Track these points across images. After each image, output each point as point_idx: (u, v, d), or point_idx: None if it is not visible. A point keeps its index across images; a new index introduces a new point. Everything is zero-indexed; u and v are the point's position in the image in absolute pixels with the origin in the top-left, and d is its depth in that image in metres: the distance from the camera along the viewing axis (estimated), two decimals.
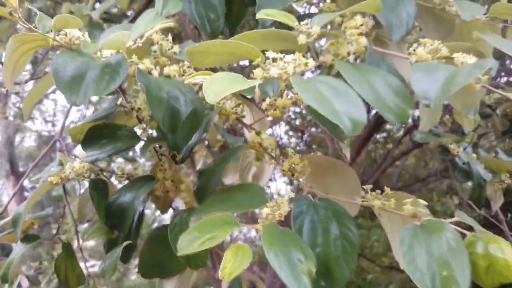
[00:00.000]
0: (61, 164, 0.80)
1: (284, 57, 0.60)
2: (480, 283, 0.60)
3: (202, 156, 1.96)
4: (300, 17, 0.72)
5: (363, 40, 0.68)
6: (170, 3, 0.73)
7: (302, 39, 0.64)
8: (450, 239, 0.59)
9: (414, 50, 0.69)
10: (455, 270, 0.56)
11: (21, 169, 10.83)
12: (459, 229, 0.62)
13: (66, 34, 0.65)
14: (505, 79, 4.17)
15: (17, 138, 11.17)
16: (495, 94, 1.63)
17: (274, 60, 0.59)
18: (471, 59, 0.64)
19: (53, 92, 6.03)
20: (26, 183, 11.35)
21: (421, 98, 0.59)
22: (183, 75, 0.70)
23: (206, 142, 2.44)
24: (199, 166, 1.97)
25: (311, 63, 0.60)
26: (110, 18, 2.01)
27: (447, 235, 0.59)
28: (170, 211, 0.83)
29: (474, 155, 1.44)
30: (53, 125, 9.58)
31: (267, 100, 0.73)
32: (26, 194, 10.69)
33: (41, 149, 9.76)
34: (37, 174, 0.98)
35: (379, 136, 8.94)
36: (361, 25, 0.70)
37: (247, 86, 0.53)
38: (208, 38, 0.85)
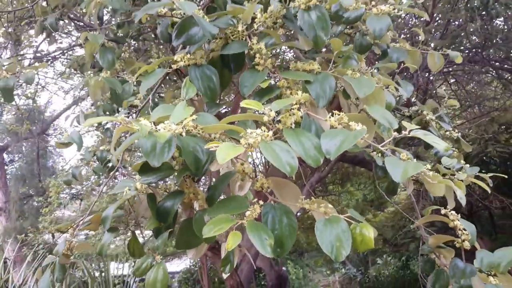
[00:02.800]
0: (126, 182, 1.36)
1: (255, 131, 1.16)
2: (357, 249, 1.19)
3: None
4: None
5: (299, 113, 1.25)
6: (190, 90, 1.29)
7: (265, 118, 1.20)
8: (343, 226, 1.17)
9: (330, 117, 1.26)
10: (344, 242, 1.14)
11: (1, 144, 11.22)
12: (349, 220, 1.20)
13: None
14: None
15: None
16: (413, 108, 2.22)
17: (251, 133, 1.15)
18: (358, 127, 1.21)
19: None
20: (5, 157, 11.64)
21: (325, 153, 1.15)
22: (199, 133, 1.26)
23: None
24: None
25: (270, 134, 1.17)
26: (116, 40, 2.53)
27: (342, 224, 1.18)
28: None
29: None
30: (34, 102, 9.89)
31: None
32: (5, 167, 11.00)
33: (21, 123, 10.13)
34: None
35: None
36: (297, 103, 1.26)
37: (239, 151, 1.09)
38: (205, 96, 1.41)
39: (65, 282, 7.73)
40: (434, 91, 9.24)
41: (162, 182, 1.34)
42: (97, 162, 2.76)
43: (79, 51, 6.53)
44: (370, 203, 11.53)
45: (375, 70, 1.63)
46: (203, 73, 1.39)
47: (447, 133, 2.14)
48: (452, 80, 8.99)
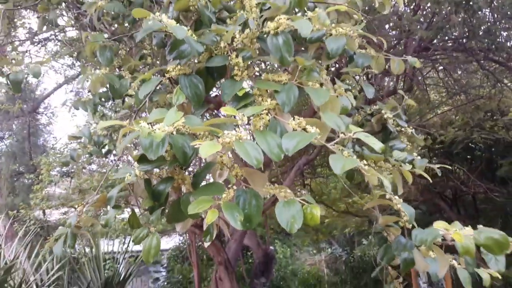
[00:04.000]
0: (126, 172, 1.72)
1: (231, 132, 1.52)
2: (308, 224, 1.56)
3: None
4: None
5: (267, 117, 1.62)
6: (180, 97, 1.65)
7: (239, 121, 1.56)
8: (297, 207, 1.55)
9: (291, 121, 1.63)
10: (297, 219, 1.52)
11: None
12: (303, 202, 1.58)
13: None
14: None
15: None
16: (374, 107, 2.59)
17: (227, 134, 1.51)
18: (313, 129, 1.58)
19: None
20: None
21: (285, 151, 1.52)
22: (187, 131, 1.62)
23: None
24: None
25: (244, 134, 1.53)
26: (114, 38, 2.86)
27: (296, 205, 1.55)
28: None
29: (351, 150, 2.39)
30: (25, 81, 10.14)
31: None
32: None
33: (12, 102, 10.40)
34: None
35: None
36: (267, 109, 1.63)
37: (217, 148, 1.45)
38: (195, 104, 1.77)
39: (56, 257, 8.13)
40: (421, 78, 9.62)
41: (156, 169, 1.70)
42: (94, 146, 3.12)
43: (71, 33, 6.82)
44: (357, 186, 11.97)
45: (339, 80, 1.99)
46: (191, 81, 1.75)
47: (403, 129, 2.51)
48: (440, 68, 9.34)
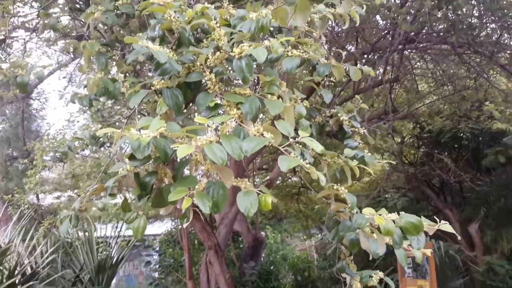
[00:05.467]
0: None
1: (202, 137, 1.99)
2: (262, 209, 2.05)
3: None
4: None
5: (233, 124, 2.10)
6: (162, 107, 2.13)
7: (209, 129, 2.03)
8: (254, 196, 2.03)
9: (252, 127, 2.10)
10: (253, 206, 2.01)
11: None
12: (259, 191, 2.06)
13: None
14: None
15: None
16: (333, 110, 3.07)
17: (199, 138, 1.99)
18: (268, 135, 2.05)
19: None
20: None
21: (244, 152, 1.99)
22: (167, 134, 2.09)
23: None
24: None
25: (214, 139, 2.00)
26: (108, 44, 3.33)
27: (253, 194, 2.03)
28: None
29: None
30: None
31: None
32: None
33: (6, 88, 10.80)
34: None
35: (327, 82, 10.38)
36: (233, 117, 2.11)
37: (191, 150, 1.93)
38: (175, 112, 2.25)
39: (50, 241, 8.59)
40: (410, 67, 10.07)
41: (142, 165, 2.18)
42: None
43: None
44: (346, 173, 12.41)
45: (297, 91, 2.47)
46: (172, 93, 2.22)
47: (357, 129, 3.00)
48: (429, 58, 9.79)
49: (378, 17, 8.53)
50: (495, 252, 10.43)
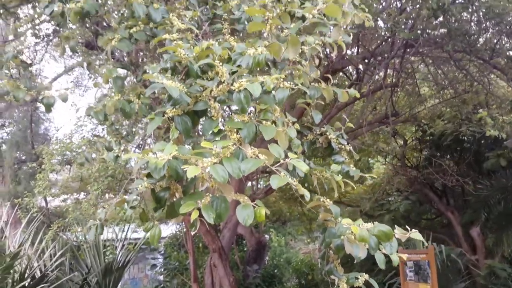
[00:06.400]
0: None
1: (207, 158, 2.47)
2: (257, 220, 2.52)
3: None
4: None
5: (232, 148, 2.58)
6: (174, 133, 2.61)
7: (213, 152, 2.51)
8: (250, 208, 2.51)
9: (249, 150, 2.58)
10: (250, 217, 2.48)
11: None
12: (255, 204, 2.53)
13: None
14: None
15: None
16: (322, 128, 3.54)
17: (205, 160, 2.47)
18: (262, 156, 2.52)
19: None
20: None
21: (242, 172, 2.46)
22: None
23: None
24: None
25: (216, 160, 2.48)
26: (124, 67, 3.82)
27: (250, 207, 2.51)
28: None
29: (310, 162, 3.34)
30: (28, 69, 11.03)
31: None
32: None
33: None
34: None
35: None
36: (234, 141, 2.59)
37: (198, 171, 2.40)
38: (185, 136, 2.73)
39: (58, 244, 9.05)
40: (411, 71, 10.49)
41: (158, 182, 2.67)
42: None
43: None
44: (351, 176, 12.86)
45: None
46: (182, 119, 2.71)
47: (343, 146, 3.47)
48: (430, 62, 10.20)
49: (379, 20, 8.95)
50: (497, 255, 10.83)
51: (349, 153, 3.53)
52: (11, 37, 7.07)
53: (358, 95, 3.40)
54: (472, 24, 8.18)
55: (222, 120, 2.75)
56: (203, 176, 2.59)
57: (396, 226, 2.98)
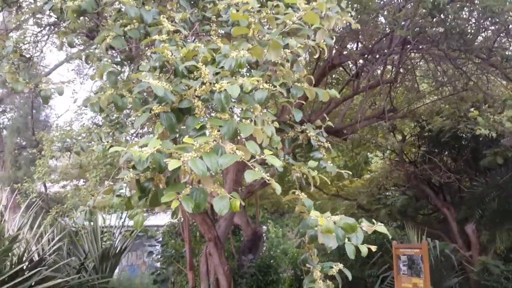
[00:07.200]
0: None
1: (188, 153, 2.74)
2: (233, 210, 2.79)
3: None
4: None
5: (212, 144, 2.85)
6: (159, 129, 2.89)
7: (194, 147, 2.78)
8: (227, 199, 2.78)
9: (228, 146, 2.85)
10: (226, 207, 2.76)
11: None
12: (231, 196, 2.81)
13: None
14: None
15: None
16: (303, 126, 3.80)
17: (186, 155, 2.74)
18: (239, 152, 2.79)
19: None
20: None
21: (220, 166, 2.73)
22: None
23: None
24: None
25: (197, 155, 2.75)
26: (117, 62, 4.09)
27: (226, 198, 2.78)
28: None
29: (289, 158, 3.60)
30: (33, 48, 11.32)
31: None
32: None
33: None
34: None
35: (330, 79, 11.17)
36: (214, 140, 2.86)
37: (179, 164, 2.68)
38: (170, 131, 3.01)
39: (56, 229, 9.34)
40: (410, 67, 10.70)
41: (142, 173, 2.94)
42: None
43: None
44: (349, 170, 13.16)
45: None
46: (168, 116, 2.98)
47: (322, 143, 3.75)
48: (430, 59, 10.41)
49: (380, 16, 9.15)
50: (490, 252, 11.10)
51: (327, 150, 3.79)
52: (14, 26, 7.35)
53: (338, 96, 3.66)
54: (470, 23, 8.39)
55: (207, 117, 3.02)
56: (185, 168, 2.86)
57: (364, 219, 3.25)
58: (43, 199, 11.05)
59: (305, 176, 3.59)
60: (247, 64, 3.15)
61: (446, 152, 11.90)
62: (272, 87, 3.05)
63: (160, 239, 13.76)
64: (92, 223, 9.70)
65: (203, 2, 3.95)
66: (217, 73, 3.06)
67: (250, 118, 3.01)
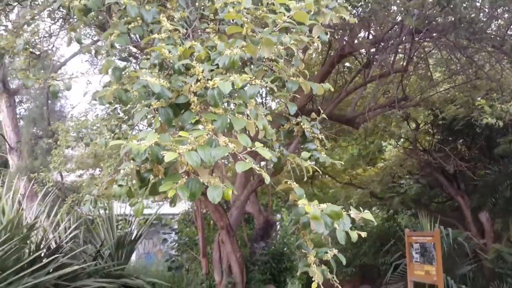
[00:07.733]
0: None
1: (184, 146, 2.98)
2: (225, 199, 3.04)
3: None
4: None
5: (206, 137, 3.09)
6: (157, 123, 3.14)
7: (189, 140, 3.02)
8: (220, 188, 3.02)
9: (221, 140, 3.09)
10: (219, 195, 3.00)
11: (12, 86, 13.23)
12: (225, 185, 3.05)
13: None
14: None
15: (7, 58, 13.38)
16: (297, 119, 4.01)
17: (182, 147, 2.98)
18: (231, 145, 3.03)
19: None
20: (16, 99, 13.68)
21: (213, 159, 2.97)
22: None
23: None
24: None
25: (191, 147, 2.99)
26: (123, 59, 4.34)
27: (220, 187, 3.03)
28: None
29: (283, 149, 3.82)
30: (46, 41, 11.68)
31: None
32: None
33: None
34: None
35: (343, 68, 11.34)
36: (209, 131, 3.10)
37: (175, 156, 2.92)
38: (167, 125, 3.26)
39: (73, 217, 9.69)
40: (423, 55, 10.80)
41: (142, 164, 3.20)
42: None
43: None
44: (363, 158, 13.34)
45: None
46: (166, 111, 3.22)
47: (316, 135, 3.96)
48: (442, 46, 10.48)
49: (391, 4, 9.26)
50: (503, 240, 11.21)
51: (321, 141, 4.01)
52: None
53: (332, 89, 3.87)
54: (480, 12, 8.47)
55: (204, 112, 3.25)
56: (181, 160, 3.11)
57: (360, 208, 3.47)
58: (59, 188, 11.43)
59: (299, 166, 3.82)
60: (244, 60, 3.39)
61: (460, 140, 11.98)
62: (264, 83, 3.27)
63: (176, 227, 14.13)
64: (107, 211, 10.08)
65: (201, 0, 4.18)
66: (211, 70, 3.29)
67: (243, 113, 3.24)
